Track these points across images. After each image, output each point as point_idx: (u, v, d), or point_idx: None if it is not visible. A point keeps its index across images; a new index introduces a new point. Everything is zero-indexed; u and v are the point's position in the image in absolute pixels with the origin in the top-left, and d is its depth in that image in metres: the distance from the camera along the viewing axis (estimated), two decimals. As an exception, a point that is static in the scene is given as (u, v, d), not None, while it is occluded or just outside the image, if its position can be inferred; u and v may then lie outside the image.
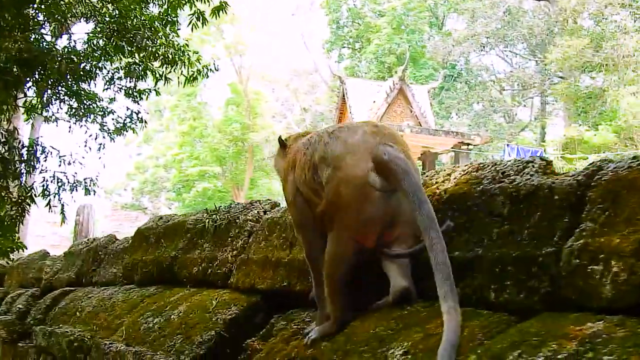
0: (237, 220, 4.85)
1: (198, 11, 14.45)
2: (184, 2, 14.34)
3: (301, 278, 3.72)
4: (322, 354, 2.93)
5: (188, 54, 15.05)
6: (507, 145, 27.92)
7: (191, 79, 15.41)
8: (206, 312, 4.31)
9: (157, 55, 14.53)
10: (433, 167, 32.42)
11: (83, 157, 16.27)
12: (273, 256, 4.14)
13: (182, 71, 15.07)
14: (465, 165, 3.11)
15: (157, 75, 15.19)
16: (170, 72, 15.06)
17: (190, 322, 4.32)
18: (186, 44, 15.14)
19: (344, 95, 33.53)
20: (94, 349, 5.19)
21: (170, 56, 14.61)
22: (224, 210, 5.18)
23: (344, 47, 49.57)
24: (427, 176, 3.28)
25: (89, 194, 16.25)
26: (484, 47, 45.37)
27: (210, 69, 16.09)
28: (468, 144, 31.49)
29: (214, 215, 5.14)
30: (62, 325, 6.39)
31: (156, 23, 14.56)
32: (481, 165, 3.02)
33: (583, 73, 38.02)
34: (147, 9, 14.45)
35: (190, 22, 14.39)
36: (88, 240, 8.14)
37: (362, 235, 2.82)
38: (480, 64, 47.58)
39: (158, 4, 14.48)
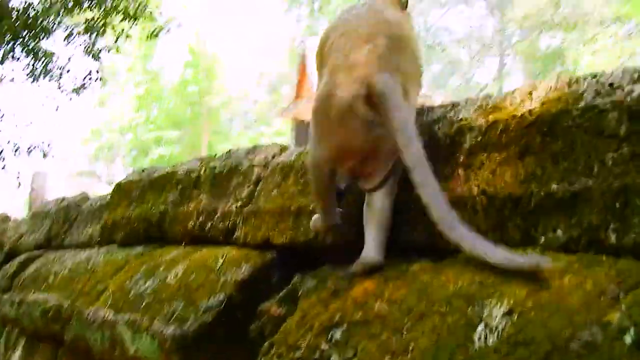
0: (240, 167, 4.25)
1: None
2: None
3: (333, 227, 3.12)
4: (390, 313, 2.35)
5: (149, 9, 14.41)
6: (473, 103, 27.56)
7: (153, 35, 14.75)
8: (211, 272, 3.71)
9: (117, 9, 13.92)
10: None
11: (40, 120, 15.65)
12: (292, 204, 3.54)
13: (143, 27, 14.47)
14: (551, 80, 2.54)
15: (118, 32, 14.58)
16: (131, 28, 14.45)
17: (192, 285, 3.72)
18: (148, -2, 14.55)
19: (304, 57, 32.77)
20: (75, 319, 4.58)
21: (131, 11, 13.99)
22: (222, 156, 4.57)
23: (303, 6, 48.68)
24: (499, 98, 2.70)
25: (45, 158, 15.59)
26: (443, 6, 44.82)
27: (173, 25, 15.43)
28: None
29: (211, 163, 4.53)
30: (35, 292, 5.73)
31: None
32: (574, 78, 2.46)
33: (542, 32, 37.68)
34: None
35: (151, -27, 13.77)
36: (57, 199, 7.46)
37: (335, 160, 2.72)
38: (439, 24, 47.04)
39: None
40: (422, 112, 3.06)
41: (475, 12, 47.34)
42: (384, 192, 2.80)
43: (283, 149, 4.25)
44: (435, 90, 39.21)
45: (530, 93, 2.56)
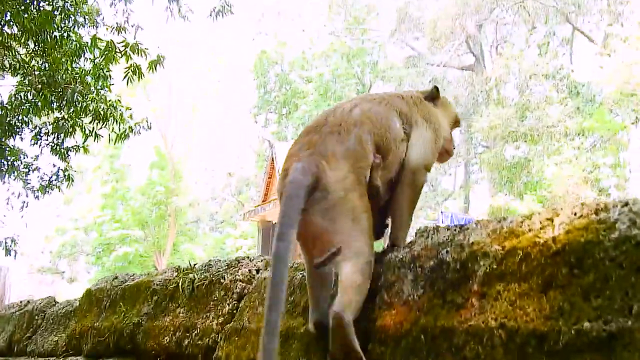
0: (222, 281, 3.99)
1: (134, 65, 13.81)
2: (119, 55, 13.68)
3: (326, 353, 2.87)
4: None
5: (120, 110, 14.29)
6: (442, 212, 27.61)
7: (122, 136, 14.59)
8: (189, 396, 3.41)
9: (87, 110, 13.77)
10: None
11: (4, 216, 15.39)
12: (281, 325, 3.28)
13: (112, 128, 14.32)
14: (574, 207, 2.35)
15: (87, 132, 14.40)
16: (100, 128, 14.28)
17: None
18: (118, 99, 14.46)
19: (272, 159, 32.84)
20: None
21: (101, 112, 13.85)
22: (201, 268, 4.31)
23: (271, 112, 49.13)
24: (515, 222, 2.50)
25: (9, 255, 15.25)
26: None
27: (143, 127, 15.32)
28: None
29: (190, 274, 4.27)
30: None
31: (88, 77, 13.84)
32: (602, 205, 2.27)
33: (508, 143, 38.20)
34: (78, 62, 13.76)
35: (126, 75, 13.75)
36: (21, 302, 7.09)
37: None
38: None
39: (90, 59, 13.79)
40: (425, 233, 2.87)
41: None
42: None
43: (267, 263, 4.02)
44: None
45: (551, 219, 2.37)
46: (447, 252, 2.66)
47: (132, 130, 14.69)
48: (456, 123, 3.64)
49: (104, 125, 14.13)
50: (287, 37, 49.18)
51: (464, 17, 41.21)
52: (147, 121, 15.04)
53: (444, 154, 3.54)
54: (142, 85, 38.53)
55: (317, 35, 49.17)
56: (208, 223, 50.02)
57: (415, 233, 3.00)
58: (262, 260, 4.02)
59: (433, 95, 3.54)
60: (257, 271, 3.94)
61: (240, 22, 43.00)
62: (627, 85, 31.74)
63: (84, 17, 13.53)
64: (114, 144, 14.77)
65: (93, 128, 14.29)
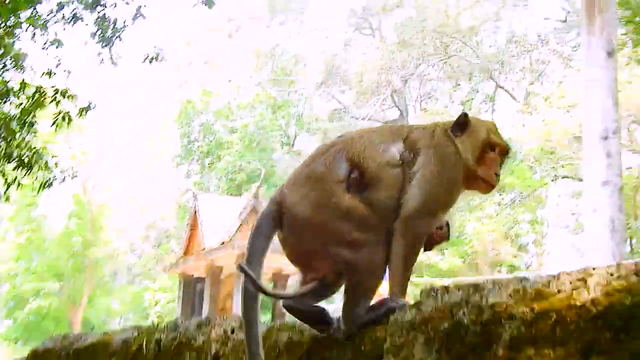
0: (193, 342, 3.77)
1: (64, 111, 13.51)
2: (48, 101, 13.36)
3: None
4: None
5: (45, 158, 13.92)
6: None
7: (46, 185, 14.22)
8: None
9: (11, 157, 13.38)
10: (285, 288, 31.59)
11: None
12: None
13: (36, 176, 13.93)
14: (608, 267, 2.26)
15: (9, 180, 13.98)
16: (24, 176, 13.87)
17: None
18: (44, 146, 14.09)
19: (195, 211, 32.35)
20: None
21: (26, 159, 13.46)
22: (167, 327, 4.07)
23: (194, 162, 48.68)
24: (540, 283, 2.40)
25: None
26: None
27: (68, 175, 14.98)
28: (323, 265, 30.91)
29: (155, 334, 4.03)
30: None
31: (13, 123, 13.47)
32: (641, 264, 2.19)
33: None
34: (3, 107, 13.39)
35: (55, 121, 13.42)
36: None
37: None
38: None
39: (15, 105, 13.45)
40: (433, 293, 2.75)
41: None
42: None
43: (241, 322, 3.82)
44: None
45: (584, 280, 2.27)
46: (463, 313, 2.53)
47: (55, 178, 14.29)
48: (494, 146, 3.36)
49: (27, 173, 13.72)
50: (213, 87, 49.04)
51: (390, 71, 41.77)
52: (72, 169, 14.68)
53: (481, 184, 3.34)
54: (65, 132, 37.82)
55: (243, 85, 49.17)
56: (126, 276, 49.02)
57: (420, 293, 2.87)
58: (236, 320, 3.82)
59: (460, 124, 3.37)
60: (232, 331, 3.74)
61: (166, 69, 42.70)
62: (548, 142, 32.47)
63: (11, 61, 13.21)
64: (37, 192, 14.34)
65: (16, 176, 13.87)
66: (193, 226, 32.55)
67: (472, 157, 3.30)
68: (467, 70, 41.32)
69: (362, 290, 3.06)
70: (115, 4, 15.82)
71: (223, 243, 29.17)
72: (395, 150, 3.22)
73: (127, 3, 15.92)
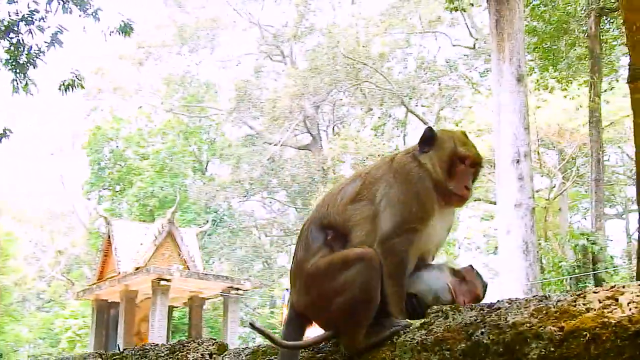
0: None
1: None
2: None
3: None
4: None
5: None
6: (287, 290, 27.27)
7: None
8: None
9: None
10: (201, 312, 31.28)
11: None
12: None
13: None
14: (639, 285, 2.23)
15: None
16: None
17: None
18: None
19: (109, 237, 31.72)
20: None
21: None
22: (138, 351, 3.88)
23: (105, 188, 47.78)
24: (564, 301, 2.35)
25: None
26: (247, 192, 45.39)
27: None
28: (238, 289, 30.71)
29: (120, 362, 3.83)
30: None
31: None
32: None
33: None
34: None
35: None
36: None
37: None
38: (243, 210, 47.51)
39: None
40: (441, 313, 2.68)
41: (277, 199, 48.31)
42: None
43: (221, 347, 3.67)
44: (239, 274, 39.00)
45: (614, 298, 2.23)
46: (482, 333, 2.46)
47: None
48: (463, 158, 3.35)
49: None
50: (123, 114, 48.33)
51: (302, 97, 41.90)
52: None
53: (453, 197, 3.32)
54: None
55: (154, 112, 48.62)
56: (35, 302, 47.63)
57: (427, 313, 2.79)
58: (213, 344, 3.66)
59: (426, 139, 3.39)
60: (210, 355, 3.58)
61: (75, 97, 41.85)
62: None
63: None
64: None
65: None
66: (106, 252, 31.91)
67: (441, 171, 3.30)
68: (379, 95, 41.81)
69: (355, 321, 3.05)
70: (30, 30, 15.43)
71: (138, 268, 28.73)
72: (352, 188, 3.28)
73: (42, 30, 15.54)
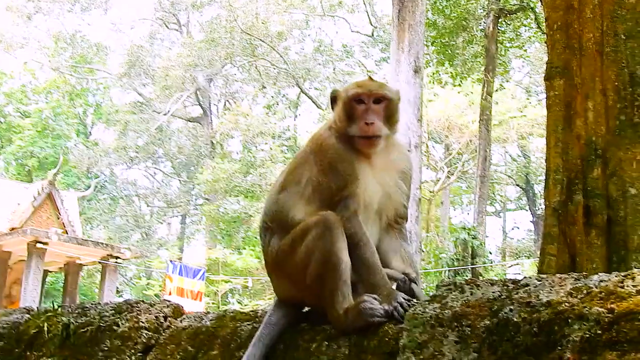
0: (116, 328, 3.25)
1: None
2: None
3: None
4: None
5: None
6: (171, 262, 26.79)
7: None
8: None
9: None
10: (77, 278, 30.32)
11: None
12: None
13: None
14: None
15: None
16: None
17: None
18: None
19: (-17, 194, 30.34)
20: None
21: None
22: (72, 311, 3.50)
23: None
24: (610, 282, 2.17)
25: None
26: (131, 160, 44.35)
27: None
28: (117, 257, 29.90)
29: (63, 318, 3.45)
30: None
31: None
32: None
33: (230, 197, 38.37)
34: None
35: None
36: None
37: None
38: (126, 178, 46.43)
39: None
40: (456, 287, 2.47)
41: (162, 169, 47.49)
42: None
43: (176, 310, 3.35)
44: (117, 242, 38.11)
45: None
46: (510, 310, 2.25)
47: None
48: (359, 97, 3.28)
49: None
50: (6, 68, 46.20)
51: (196, 69, 41.14)
52: None
53: (358, 142, 3.24)
54: None
55: (39, 68, 46.72)
56: None
57: (438, 286, 2.58)
58: (168, 306, 3.34)
59: (331, 102, 3.43)
60: (165, 318, 3.27)
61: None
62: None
63: None
64: None
65: None
66: (-23, 209, 30.54)
67: (342, 121, 3.29)
68: (273, 74, 41.55)
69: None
70: None
71: (13, 229, 27.62)
72: (281, 177, 3.40)
73: None
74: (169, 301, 3.43)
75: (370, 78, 3.44)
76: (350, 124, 3.25)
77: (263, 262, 3.33)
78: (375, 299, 2.79)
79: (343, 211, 3.12)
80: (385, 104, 3.29)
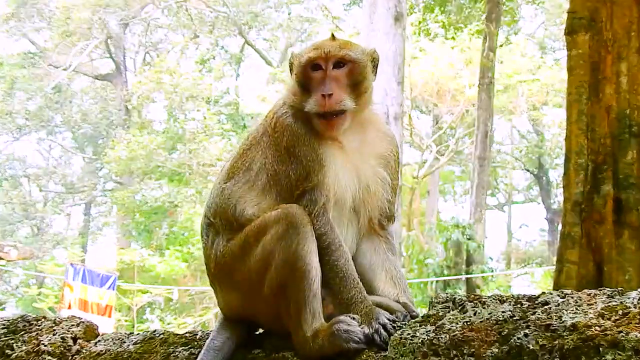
0: (9, 352, 3.28)
1: None
2: None
3: None
4: None
5: None
6: (71, 265, 26.60)
7: None
8: None
9: None
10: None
11: None
12: None
13: None
14: None
15: None
16: None
17: None
18: None
19: None
20: None
21: None
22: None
23: None
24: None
25: None
26: (20, 130, 43.95)
27: None
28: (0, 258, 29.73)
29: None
30: None
31: None
32: None
33: (150, 180, 38.16)
34: None
35: None
36: None
37: None
38: (11, 153, 45.89)
39: None
40: (454, 305, 2.53)
41: (61, 142, 47.13)
42: None
43: (89, 330, 3.38)
44: (1, 239, 37.80)
45: None
46: (525, 335, 2.32)
47: None
48: (314, 61, 3.39)
49: None
50: None
51: (107, 10, 40.84)
52: None
53: (317, 120, 3.36)
54: None
55: None
56: None
57: (431, 303, 2.64)
58: (78, 324, 3.37)
59: (290, 67, 3.57)
60: (74, 340, 3.30)
61: None
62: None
63: None
64: None
65: None
66: None
67: (296, 94, 3.45)
68: (209, 19, 41.40)
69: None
70: None
71: None
72: (228, 163, 3.58)
73: None
74: (78, 318, 3.45)
75: (333, 36, 3.51)
76: (305, 97, 3.35)
77: (204, 267, 3.37)
78: (353, 318, 2.82)
79: (309, 206, 3.17)
80: (348, 68, 3.37)
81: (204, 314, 30.78)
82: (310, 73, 3.33)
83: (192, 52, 44.09)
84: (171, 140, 38.31)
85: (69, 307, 22.10)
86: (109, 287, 23.80)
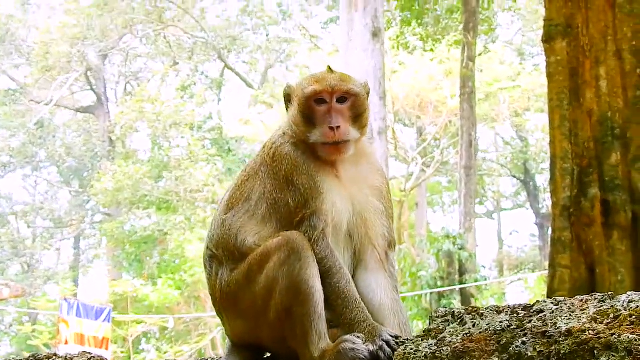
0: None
1: None
2: None
3: None
4: None
5: None
6: (65, 300, 26.56)
7: None
8: None
9: None
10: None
11: None
12: None
13: None
14: None
15: None
16: None
17: None
18: None
19: None
20: None
21: None
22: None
23: None
24: (634, 301, 2.34)
25: None
26: (4, 168, 43.89)
27: None
28: (-7, 298, 29.68)
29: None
30: None
31: None
32: None
33: (138, 210, 38.12)
34: None
35: None
36: None
37: None
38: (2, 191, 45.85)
39: None
40: (453, 318, 2.63)
41: (46, 177, 47.01)
42: None
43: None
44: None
45: None
46: (523, 343, 2.42)
47: None
48: (319, 95, 3.50)
49: None
50: None
51: (85, 42, 40.82)
52: None
53: (322, 149, 3.50)
54: None
55: None
56: None
57: (431, 317, 2.74)
58: (90, 359, 3.44)
59: (285, 100, 3.70)
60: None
61: None
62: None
63: None
64: None
65: None
66: None
67: (300, 126, 3.54)
68: (188, 45, 41.45)
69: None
70: None
71: None
72: (227, 194, 3.69)
73: None
74: (89, 353, 3.51)
75: (330, 69, 3.61)
76: (310, 129, 3.45)
77: (197, 293, 3.43)
78: (358, 337, 2.93)
79: (308, 232, 3.29)
80: (351, 102, 3.48)
81: (199, 340, 30.78)
82: (314, 106, 3.45)
83: (172, 79, 44.11)
84: (157, 168, 38.29)
85: (66, 343, 21.99)
86: (104, 319, 23.70)
